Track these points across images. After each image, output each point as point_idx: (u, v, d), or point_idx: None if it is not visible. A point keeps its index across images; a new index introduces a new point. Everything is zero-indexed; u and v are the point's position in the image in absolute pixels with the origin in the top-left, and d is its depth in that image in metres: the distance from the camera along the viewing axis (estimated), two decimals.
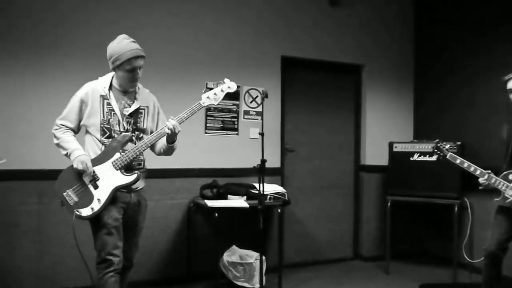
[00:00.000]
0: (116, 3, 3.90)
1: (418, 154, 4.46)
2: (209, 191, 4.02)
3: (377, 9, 5.05)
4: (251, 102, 4.45)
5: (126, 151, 2.62)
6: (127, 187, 2.64)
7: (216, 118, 4.31)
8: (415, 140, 4.91)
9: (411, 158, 4.48)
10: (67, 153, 2.61)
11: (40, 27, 3.66)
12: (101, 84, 2.68)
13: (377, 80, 5.07)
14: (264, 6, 4.50)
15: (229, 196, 3.95)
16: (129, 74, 2.61)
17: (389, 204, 4.50)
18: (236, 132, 4.39)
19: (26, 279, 3.61)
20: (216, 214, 3.63)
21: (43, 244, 3.66)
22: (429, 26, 5.09)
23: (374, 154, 4.98)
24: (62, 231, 3.59)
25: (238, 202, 3.83)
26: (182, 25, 4.16)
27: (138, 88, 2.76)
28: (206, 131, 4.27)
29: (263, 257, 3.59)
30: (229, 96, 4.23)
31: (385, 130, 5.06)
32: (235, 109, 4.38)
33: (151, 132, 2.77)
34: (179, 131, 2.65)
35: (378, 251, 4.98)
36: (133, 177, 2.62)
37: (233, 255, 3.87)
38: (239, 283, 3.78)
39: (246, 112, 4.44)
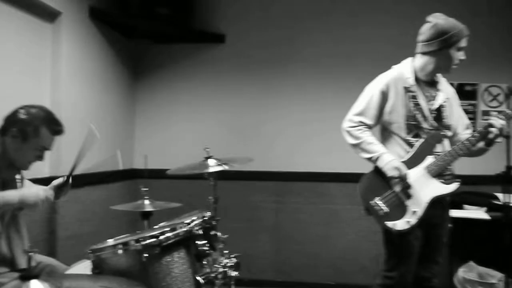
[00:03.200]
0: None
1: None
2: None
3: None
4: (491, 101, 3.95)
5: (441, 154, 2.27)
6: (443, 199, 2.30)
7: None
8: None
9: None
10: (372, 157, 2.29)
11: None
12: (403, 74, 2.32)
13: None
14: None
15: (465, 206, 3.59)
16: (459, 54, 2.25)
17: None
18: None
19: (267, 270, 4.06)
20: (450, 225, 3.34)
21: (280, 239, 4.06)
22: None
23: None
24: (297, 229, 3.91)
25: (477, 213, 3.44)
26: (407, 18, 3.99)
27: (438, 76, 2.39)
28: None
29: (510, 280, 3.12)
30: (463, 95, 3.91)
31: None
32: (471, 110, 3.95)
33: (454, 130, 2.41)
34: (506, 132, 2.19)
35: None
36: (453, 186, 2.28)
37: (470, 271, 3.49)
38: None
39: (485, 113, 3.95)
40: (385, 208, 2.24)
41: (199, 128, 4.20)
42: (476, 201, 3.56)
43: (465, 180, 3.79)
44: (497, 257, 3.27)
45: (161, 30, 3.97)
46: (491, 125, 2.20)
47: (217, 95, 4.21)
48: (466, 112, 3.82)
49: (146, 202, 2.70)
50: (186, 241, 1.93)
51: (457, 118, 2.44)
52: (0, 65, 2.69)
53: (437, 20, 2.27)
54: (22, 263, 2.04)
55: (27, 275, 1.19)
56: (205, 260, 2.02)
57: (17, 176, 2.16)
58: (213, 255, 2.14)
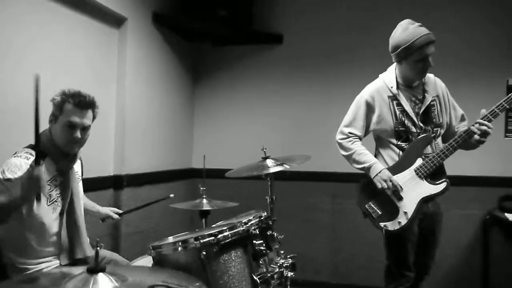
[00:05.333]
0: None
1: None
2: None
3: None
4: None
5: (429, 156, 2.36)
6: (433, 199, 2.39)
7: None
8: None
9: None
10: (363, 167, 2.45)
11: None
12: (386, 83, 2.43)
13: None
14: None
15: None
16: (419, 65, 2.29)
17: None
18: None
19: (323, 271, 4.02)
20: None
21: (337, 240, 4.00)
22: None
23: None
24: (354, 231, 3.83)
25: None
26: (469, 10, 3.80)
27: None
28: (507, 134, 3.75)
29: None
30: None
31: None
32: None
33: (447, 124, 2.47)
34: (491, 131, 2.24)
35: None
36: (442, 185, 2.36)
37: None
38: None
39: None
40: (379, 211, 2.40)
41: (256, 128, 4.24)
42: None
43: None
44: None
45: (220, 32, 4.05)
46: (472, 132, 2.26)
47: (274, 96, 4.24)
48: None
49: (204, 201, 2.77)
50: (243, 241, 1.95)
51: (450, 111, 2.47)
52: (70, 69, 2.87)
53: (395, 31, 2.35)
54: (78, 252, 2.13)
55: (94, 268, 1.25)
56: (262, 259, 2.03)
57: (76, 168, 2.22)
58: (269, 255, 2.15)
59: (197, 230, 2.26)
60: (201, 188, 2.83)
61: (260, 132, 4.18)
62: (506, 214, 3.36)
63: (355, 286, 3.91)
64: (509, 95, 2.25)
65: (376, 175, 2.38)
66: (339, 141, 2.55)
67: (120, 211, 2.59)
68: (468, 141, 2.33)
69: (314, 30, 4.12)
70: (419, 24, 2.32)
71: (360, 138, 2.52)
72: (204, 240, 1.81)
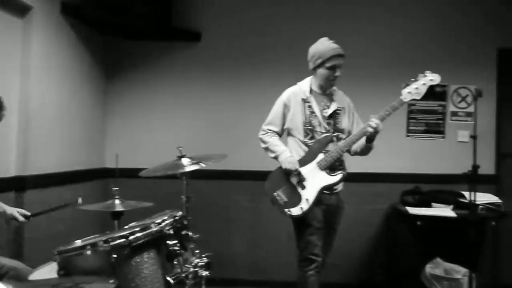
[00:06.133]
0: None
1: None
2: (411, 197, 3.82)
3: None
4: (459, 102, 4.06)
5: (330, 152, 2.68)
6: (331, 188, 2.70)
7: (419, 121, 4.07)
8: None
9: None
10: (275, 155, 2.78)
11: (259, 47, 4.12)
12: (302, 88, 2.82)
13: None
14: None
15: (433, 204, 3.68)
16: (329, 72, 2.69)
17: None
18: (442, 135, 4.06)
19: (241, 268, 4.08)
20: (419, 222, 3.43)
21: (255, 237, 4.07)
22: None
23: None
24: (271, 228, 3.93)
25: (444, 211, 3.53)
26: (379, 23, 4.07)
27: (334, 90, 2.84)
28: (408, 134, 4.08)
29: (473, 275, 3.22)
30: (434, 96, 4.00)
31: None
32: (440, 110, 4.06)
33: (348, 133, 2.82)
34: (381, 130, 2.61)
35: None
36: (338, 176, 2.68)
37: (437, 268, 3.58)
38: None
39: (454, 113, 4.06)
40: (285, 198, 2.68)
41: (172, 127, 4.17)
42: (443, 199, 3.66)
43: (434, 179, 3.96)
44: (462, 254, 3.38)
45: (136, 27, 3.91)
46: (369, 125, 2.59)
47: (191, 94, 4.19)
48: (436, 112, 4.01)
49: (117, 201, 2.67)
50: (156, 241, 1.92)
51: (353, 124, 2.87)
52: None
53: (315, 44, 2.76)
54: None
55: None
56: (176, 260, 2.01)
57: None
58: (184, 255, 2.14)
59: (107, 232, 2.18)
60: (114, 189, 2.72)
61: (176, 131, 4.12)
62: (407, 208, 3.64)
63: (272, 281, 4.01)
64: (393, 103, 2.62)
65: (285, 159, 2.71)
66: (260, 136, 2.89)
67: (28, 214, 2.40)
68: (363, 147, 2.73)
69: (233, 30, 4.14)
70: (334, 41, 2.75)
71: (278, 134, 2.87)
72: (115, 243, 1.76)
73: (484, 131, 3.88)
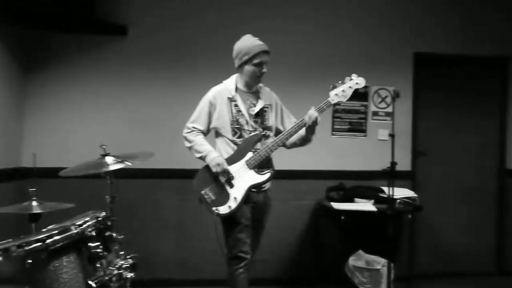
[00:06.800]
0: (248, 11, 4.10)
1: None
2: (336, 193, 3.98)
3: None
4: (380, 102, 4.29)
5: (258, 150, 2.68)
6: (259, 186, 2.70)
7: (344, 120, 4.25)
8: None
9: None
10: (201, 155, 2.72)
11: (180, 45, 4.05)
12: (227, 87, 2.79)
13: None
14: None
15: (356, 199, 3.86)
16: (256, 69, 2.69)
17: None
18: (364, 134, 4.27)
19: (171, 268, 4.01)
20: (343, 217, 3.58)
21: (183, 237, 4.02)
22: None
23: None
24: (200, 226, 3.89)
25: (365, 205, 3.72)
26: (305, 23, 4.18)
27: (260, 87, 2.85)
28: (333, 132, 4.24)
29: (391, 265, 3.43)
30: (357, 96, 4.17)
31: None
32: (363, 110, 4.27)
33: (276, 130, 2.84)
34: (319, 122, 2.65)
35: None
36: (266, 175, 2.69)
37: (359, 260, 3.77)
38: None
39: (375, 113, 4.29)
40: (213, 196, 2.65)
41: (96, 125, 3.97)
42: (365, 194, 3.85)
43: (357, 175, 4.15)
44: (382, 246, 3.58)
45: (55, 16, 3.68)
46: (306, 117, 2.64)
47: (116, 91, 4.03)
48: (359, 112, 4.21)
49: (34, 203, 2.50)
50: (77, 244, 1.84)
51: (283, 119, 2.90)
52: None
53: (238, 41, 2.76)
54: None
55: None
56: (99, 262, 1.93)
57: None
58: (107, 257, 2.06)
59: (22, 236, 2.03)
60: (30, 189, 2.55)
61: (100, 129, 3.93)
62: (332, 203, 3.78)
63: (202, 280, 3.97)
64: (321, 105, 2.69)
65: (212, 160, 2.67)
66: (184, 134, 2.80)
67: None
68: (301, 139, 2.77)
69: (161, 24, 4.04)
70: (258, 38, 2.74)
71: (203, 133, 2.81)
72: (30, 247, 1.65)
73: (401, 130, 4.15)
